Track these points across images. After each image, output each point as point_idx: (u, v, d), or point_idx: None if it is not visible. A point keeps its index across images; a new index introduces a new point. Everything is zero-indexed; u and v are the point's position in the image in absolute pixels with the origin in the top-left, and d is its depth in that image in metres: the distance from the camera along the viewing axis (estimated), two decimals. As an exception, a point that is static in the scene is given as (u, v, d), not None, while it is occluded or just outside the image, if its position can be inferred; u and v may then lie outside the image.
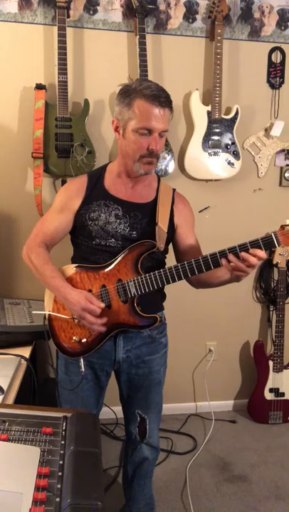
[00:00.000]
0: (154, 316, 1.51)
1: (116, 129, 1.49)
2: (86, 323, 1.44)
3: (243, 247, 1.37)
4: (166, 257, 1.64)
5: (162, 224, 1.53)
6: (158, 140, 1.43)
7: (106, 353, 1.58)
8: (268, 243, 1.36)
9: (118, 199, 1.53)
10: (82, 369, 1.52)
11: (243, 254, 1.35)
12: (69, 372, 1.60)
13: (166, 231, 1.53)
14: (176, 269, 1.44)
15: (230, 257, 1.37)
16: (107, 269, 1.49)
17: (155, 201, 1.57)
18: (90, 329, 1.47)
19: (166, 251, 1.61)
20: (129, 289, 1.46)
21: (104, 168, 1.61)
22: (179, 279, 1.45)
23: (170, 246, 1.64)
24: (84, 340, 1.50)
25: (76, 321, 1.49)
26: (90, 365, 1.59)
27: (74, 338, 1.51)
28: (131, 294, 1.46)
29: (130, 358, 1.61)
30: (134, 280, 1.46)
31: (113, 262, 1.49)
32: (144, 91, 1.39)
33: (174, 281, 1.45)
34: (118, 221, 1.51)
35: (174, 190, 1.64)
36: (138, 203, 1.55)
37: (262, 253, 1.35)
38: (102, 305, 1.44)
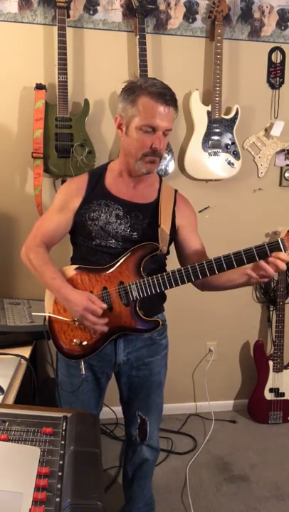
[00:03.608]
0: (156, 320, 1.50)
1: (119, 126, 1.46)
2: (88, 323, 1.43)
3: (248, 252, 1.35)
4: (166, 258, 1.63)
5: (165, 226, 1.51)
6: (162, 138, 1.41)
7: (106, 356, 1.57)
8: (274, 249, 1.34)
9: (119, 199, 1.52)
10: (83, 372, 1.51)
11: (270, 259, 1.33)
12: (69, 374, 1.59)
13: (168, 233, 1.51)
14: (179, 273, 1.42)
15: (261, 262, 1.34)
16: (108, 271, 1.48)
17: (156, 202, 1.55)
18: (92, 330, 1.46)
19: (167, 252, 1.59)
20: (131, 292, 1.44)
21: (105, 166, 1.59)
22: (182, 283, 1.43)
23: (171, 247, 1.62)
24: (84, 343, 1.49)
25: (77, 323, 1.47)
26: (90, 368, 1.58)
27: (74, 340, 1.49)
28: (133, 297, 1.45)
29: (131, 360, 1.60)
30: (136, 283, 1.44)
31: (115, 263, 1.48)
32: (149, 88, 1.37)
33: (176, 285, 1.43)
34: (119, 221, 1.50)
35: (176, 191, 1.62)
36: (139, 203, 1.53)
37: (285, 256, 1.33)
38: (104, 306, 1.43)
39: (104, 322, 1.44)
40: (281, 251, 1.33)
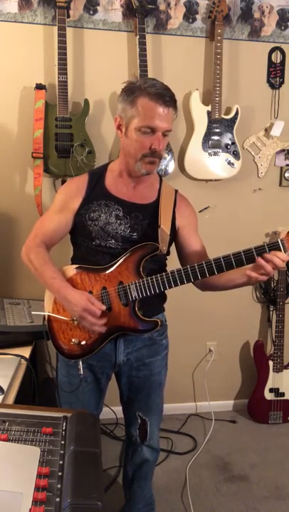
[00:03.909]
0: (155, 320, 1.50)
1: (118, 127, 1.46)
2: (86, 323, 1.43)
3: (248, 253, 1.35)
4: (166, 259, 1.63)
5: (165, 226, 1.51)
6: (161, 139, 1.41)
7: (106, 356, 1.57)
8: (274, 249, 1.33)
9: (119, 199, 1.52)
10: (81, 372, 1.51)
11: (267, 255, 1.32)
12: (69, 374, 1.59)
13: (168, 233, 1.51)
14: (178, 273, 1.42)
15: (259, 260, 1.34)
16: (108, 271, 1.48)
17: (157, 202, 1.55)
18: (90, 330, 1.46)
19: (167, 253, 1.59)
20: (130, 292, 1.44)
21: (105, 167, 1.59)
22: (181, 283, 1.43)
23: (171, 248, 1.62)
24: (83, 342, 1.49)
25: (76, 322, 1.47)
26: (90, 368, 1.58)
27: (73, 340, 1.49)
28: (132, 297, 1.45)
29: (131, 360, 1.60)
30: (135, 283, 1.44)
31: (115, 263, 1.48)
32: (148, 89, 1.37)
33: (175, 285, 1.43)
34: (118, 222, 1.50)
35: (176, 191, 1.62)
36: (139, 203, 1.53)
37: (284, 255, 1.33)
38: (103, 307, 1.43)
39: (102, 323, 1.44)
40: (281, 252, 1.33)
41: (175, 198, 1.59)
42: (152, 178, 1.58)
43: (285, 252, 1.33)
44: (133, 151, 1.44)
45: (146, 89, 1.37)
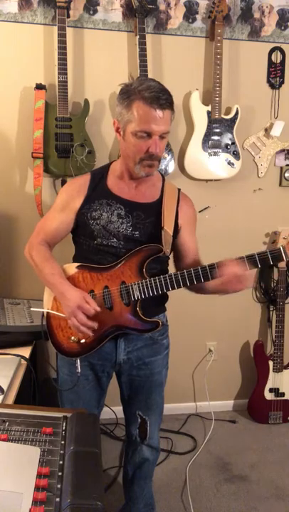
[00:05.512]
0: (156, 320, 1.50)
1: (117, 130, 1.46)
2: (76, 321, 1.40)
3: (251, 258, 1.38)
4: (169, 259, 1.63)
5: (168, 227, 1.51)
6: (158, 143, 1.40)
7: (107, 355, 1.57)
8: (276, 256, 1.38)
9: (121, 198, 1.52)
10: (79, 370, 1.50)
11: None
12: (71, 373, 1.59)
13: (171, 234, 1.51)
14: (181, 275, 1.43)
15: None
16: (110, 271, 1.48)
17: (159, 201, 1.55)
18: (76, 329, 1.43)
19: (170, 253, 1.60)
20: (132, 292, 1.45)
21: (107, 167, 1.60)
22: (184, 285, 1.44)
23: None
24: (83, 340, 1.49)
25: None
26: (91, 366, 1.58)
27: (72, 338, 1.49)
28: (134, 297, 1.45)
29: (131, 359, 1.60)
30: (138, 283, 1.44)
31: (117, 263, 1.48)
32: (143, 92, 1.36)
33: (178, 287, 1.44)
34: (120, 221, 1.50)
35: (179, 190, 1.62)
36: (141, 202, 1.53)
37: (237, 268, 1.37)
38: (98, 309, 1.42)
39: (91, 325, 1.42)
40: (283, 259, 1.37)
41: (178, 196, 1.59)
42: (154, 177, 1.58)
43: (286, 258, 1.37)
44: (131, 155, 1.44)
45: (140, 92, 1.36)
